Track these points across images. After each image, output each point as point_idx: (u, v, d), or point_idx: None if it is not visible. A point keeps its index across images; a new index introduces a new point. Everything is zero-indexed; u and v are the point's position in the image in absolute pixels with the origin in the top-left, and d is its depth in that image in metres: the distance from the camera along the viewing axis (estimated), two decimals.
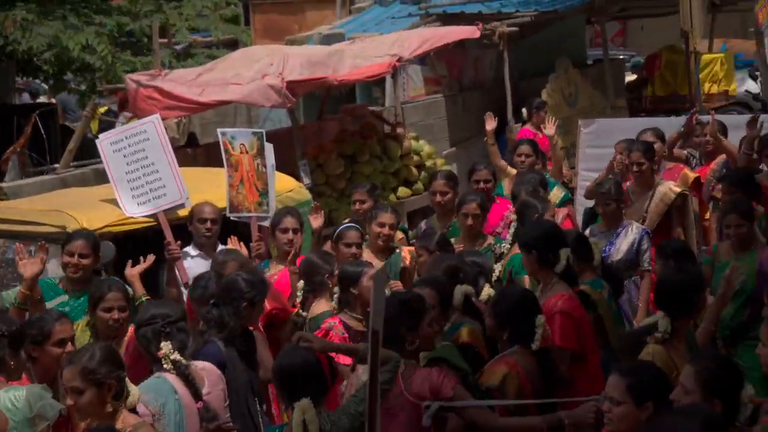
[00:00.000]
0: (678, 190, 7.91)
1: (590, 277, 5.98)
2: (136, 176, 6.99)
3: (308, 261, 6.27)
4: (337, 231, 6.79)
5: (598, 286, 5.96)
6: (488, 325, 5.01)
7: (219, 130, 7.50)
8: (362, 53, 10.36)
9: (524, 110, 11.64)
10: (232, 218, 7.16)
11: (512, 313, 4.81)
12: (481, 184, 7.96)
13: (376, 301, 2.75)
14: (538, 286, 5.62)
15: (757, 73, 17.48)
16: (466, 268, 5.65)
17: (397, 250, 6.94)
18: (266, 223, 7.20)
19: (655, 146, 8.38)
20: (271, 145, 7.35)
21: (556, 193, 8.05)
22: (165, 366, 4.71)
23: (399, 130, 10.64)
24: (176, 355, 4.71)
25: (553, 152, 9.17)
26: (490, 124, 9.32)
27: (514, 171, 8.59)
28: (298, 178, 8.61)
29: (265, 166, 7.23)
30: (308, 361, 4.24)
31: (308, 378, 4.18)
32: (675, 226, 7.84)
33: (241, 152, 7.24)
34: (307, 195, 8.15)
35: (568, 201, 8.19)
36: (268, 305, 5.82)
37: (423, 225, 7.75)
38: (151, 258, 6.11)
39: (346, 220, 7.88)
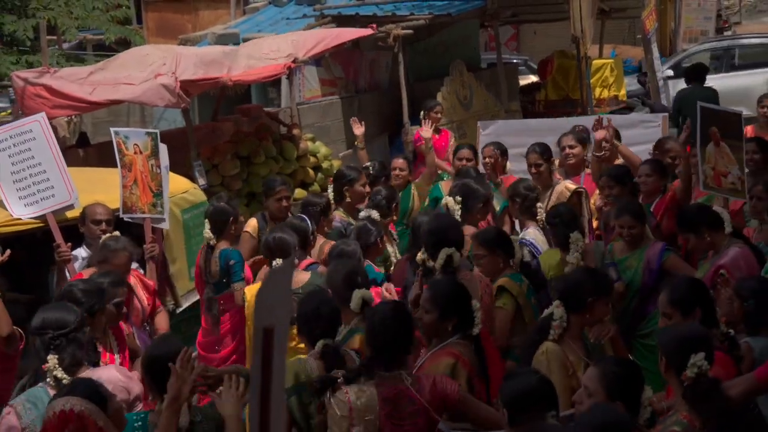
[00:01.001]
0: (573, 188, 8.03)
1: (509, 272, 6.10)
2: (23, 176, 6.78)
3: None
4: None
5: (516, 279, 6.08)
6: (426, 321, 4.96)
7: (112, 130, 7.32)
8: (257, 54, 10.25)
9: (422, 113, 11.67)
10: (125, 219, 7.00)
11: (456, 303, 4.91)
12: (397, 171, 8.56)
13: (273, 293, 2.59)
14: None
15: (645, 78, 17.92)
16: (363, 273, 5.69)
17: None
18: (161, 226, 7.07)
19: (575, 150, 8.53)
20: (165, 146, 7.20)
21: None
22: (48, 380, 4.57)
23: (295, 131, 10.56)
24: (59, 372, 4.57)
25: (425, 154, 9.28)
26: (358, 130, 9.40)
27: None
28: (192, 180, 8.47)
29: (159, 167, 7.08)
30: (177, 350, 4.17)
31: None
32: None
33: (135, 152, 7.08)
34: (201, 196, 8.03)
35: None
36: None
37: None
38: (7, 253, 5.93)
39: (259, 214, 7.86)
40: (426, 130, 9.59)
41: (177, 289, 7.51)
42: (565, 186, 8.07)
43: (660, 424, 4.00)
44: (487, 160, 8.75)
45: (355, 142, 9.39)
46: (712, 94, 13.51)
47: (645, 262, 6.42)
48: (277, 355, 2.51)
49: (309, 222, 6.83)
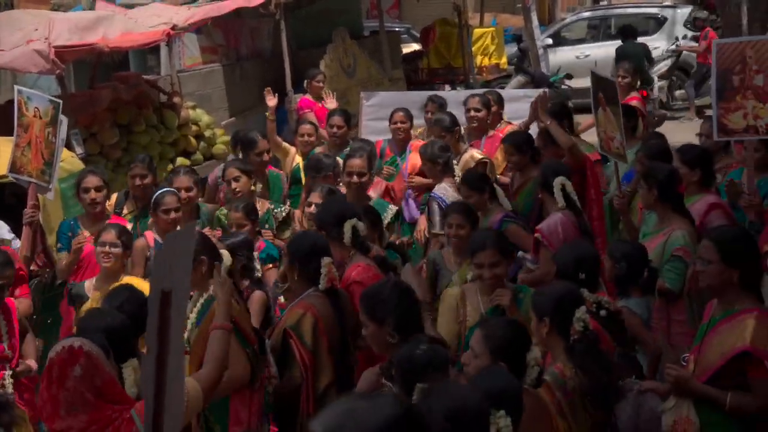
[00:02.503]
0: (478, 157, 8.07)
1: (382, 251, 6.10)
2: None
3: None
4: (155, 199, 6.53)
5: (392, 256, 6.17)
6: (285, 265, 5.34)
7: (16, 87, 7.07)
8: (134, 20, 10.02)
9: (305, 81, 11.62)
10: (10, 177, 6.79)
11: (303, 254, 5.08)
12: (264, 156, 7.98)
13: (174, 257, 2.53)
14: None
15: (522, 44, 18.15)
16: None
17: (203, 209, 7.11)
18: (47, 196, 6.88)
19: (480, 114, 8.62)
20: (66, 119, 6.98)
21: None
22: None
23: (176, 99, 10.37)
24: None
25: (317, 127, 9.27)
26: (272, 101, 9.24)
27: (291, 148, 8.62)
28: (70, 148, 8.23)
29: (56, 137, 6.87)
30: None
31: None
32: None
33: (35, 116, 6.85)
34: (79, 165, 7.83)
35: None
36: None
37: None
38: None
39: (122, 191, 7.63)
40: (330, 101, 9.56)
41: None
42: (471, 155, 8.10)
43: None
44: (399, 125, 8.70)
45: (267, 113, 9.13)
46: (643, 49, 15.99)
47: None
48: (175, 318, 2.52)
49: None
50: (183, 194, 6.81)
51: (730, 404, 4.27)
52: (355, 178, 6.96)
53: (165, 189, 6.61)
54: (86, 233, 6.51)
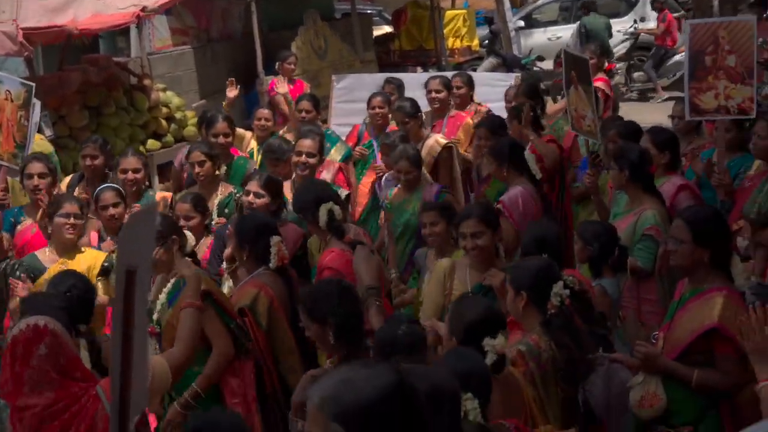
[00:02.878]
0: (443, 142, 8.07)
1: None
2: None
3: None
4: (96, 195, 6.37)
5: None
6: (232, 247, 5.40)
7: None
8: (104, 2, 9.91)
9: (277, 63, 11.56)
10: None
11: (251, 234, 5.17)
12: (221, 138, 7.65)
13: (137, 235, 2.54)
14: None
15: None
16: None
17: (150, 192, 6.96)
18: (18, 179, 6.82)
19: (441, 95, 8.68)
20: (39, 102, 6.90)
21: (339, 149, 8.11)
22: None
23: (146, 81, 10.28)
24: None
25: (289, 109, 9.18)
26: (232, 92, 9.07)
27: (247, 134, 8.51)
28: (39, 131, 8.13)
29: (28, 120, 6.78)
30: None
31: None
32: (441, 179, 7.92)
33: (6, 98, 6.76)
34: (49, 147, 7.78)
35: (348, 157, 8.16)
36: None
37: None
38: None
39: (76, 173, 7.52)
40: (281, 85, 9.47)
41: None
42: (435, 140, 8.08)
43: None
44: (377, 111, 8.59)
45: (224, 103, 8.99)
46: (605, 23, 16.70)
47: (421, 204, 6.50)
48: (140, 296, 2.51)
49: None
50: (130, 175, 6.74)
51: (696, 381, 4.32)
52: (303, 158, 6.89)
53: (105, 185, 6.45)
54: (29, 221, 6.42)
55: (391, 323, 4.17)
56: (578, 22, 17.45)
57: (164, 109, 10.30)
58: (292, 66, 11.15)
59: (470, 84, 9.34)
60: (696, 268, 4.43)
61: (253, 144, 8.49)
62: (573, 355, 4.18)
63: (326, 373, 2.37)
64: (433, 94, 8.74)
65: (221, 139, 7.49)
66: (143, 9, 9.88)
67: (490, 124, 7.75)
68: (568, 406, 4.24)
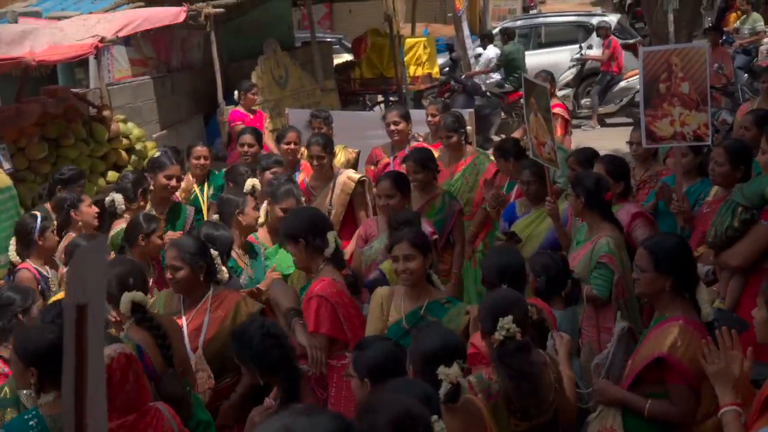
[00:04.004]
0: (356, 177, 7.99)
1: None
2: None
3: None
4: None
5: None
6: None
7: None
8: (61, 33, 9.85)
9: (236, 93, 11.56)
10: None
11: (199, 255, 5.34)
12: (201, 160, 8.26)
13: (88, 270, 2.50)
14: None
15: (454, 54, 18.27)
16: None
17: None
18: None
19: (400, 126, 8.69)
20: None
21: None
22: None
23: (105, 112, 10.22)
24: None
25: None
26: None
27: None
28: None
29: None
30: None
31: None
32: (358, 213, 7.94)
33: None
34: (7, 181, 7.69)
35: None
36: None
37: None
38: None
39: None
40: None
41: None
42: (347, 176, 7.97)
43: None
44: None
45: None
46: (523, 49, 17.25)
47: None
48: (92, 332, 2.47)
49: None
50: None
51: (649, 411, 4.36)
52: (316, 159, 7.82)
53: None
54: None
55: (379, 342, 4.16)
56: (497, 52, 17.68)
57: (124, 141, 10.24)
58: (256, 96, 11.22)
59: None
60: (659, 296, 4.48)
61: (195, 188, 8.41)
62: (522, 389, 4.18)
63: (267, 418, 2.33)
64: (392, 126, 8.72)
65: (173, 182, 7.58)
66: (101, 40, 9.83)
67: (419, 156, 7.40)
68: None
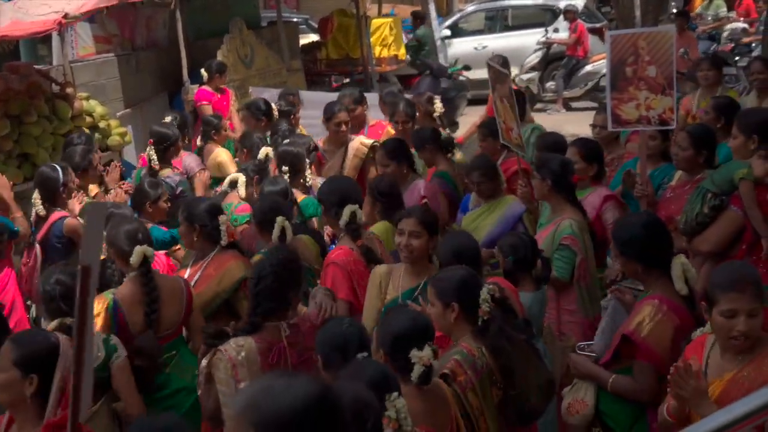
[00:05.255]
0: (368, 143, 8.19)
1: None
2: None
3: None
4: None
5: None
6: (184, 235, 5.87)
7: None
8: (24, 9, 9.72)
9: (203, 71, 11.47)
10: None
11: (201, 217, 5.71)
12: None
13: (90, 235, 2.70)
14: None
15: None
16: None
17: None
18: None
19: (357, 111, 8.82)
20: None
21: None
22: None
23: (69, 90, 10.11)
24: None
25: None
26: None
27: None
28: None
29: None
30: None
31: None
32: (369, 177, 8.02)
33: None
34: None
35: None
36: None
37: None
38: None
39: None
40: None
41: None
42: (360, 142, 8.23)
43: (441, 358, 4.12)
44: None
45: None
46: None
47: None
48: (91, 292, 2.71)
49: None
50: (343, 127, 8.31)
51: (611, 385, 4.44)
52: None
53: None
54: None
55: (335, 322, 4.16)
56: (411, 35, 17.76)
57: (88, 118, 10.13)
58: (222, 77, 11.24)
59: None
60: (637, 277, 4.61)
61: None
62: (511, 359, 4.23)
63: (255, 381, 2.39)
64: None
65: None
66: (65, 16, 9.71)
67: (390, 147, 7.33)
68: (501, 409, 4.30)
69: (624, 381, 4.41)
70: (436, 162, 7.70)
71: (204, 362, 4.38)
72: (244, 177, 7.24)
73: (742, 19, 19.16)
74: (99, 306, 5.00)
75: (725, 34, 18.10)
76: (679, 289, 4.43)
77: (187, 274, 5.72)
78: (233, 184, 7.22)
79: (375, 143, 8.17)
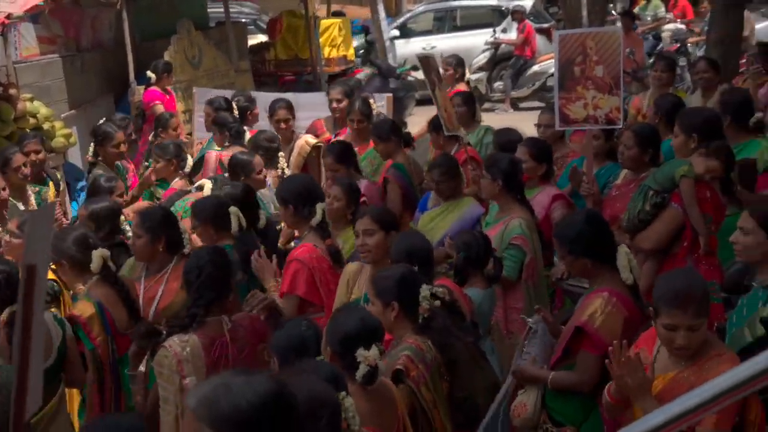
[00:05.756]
0: (313, 142, 8.25)
1: None
2: None
3: None
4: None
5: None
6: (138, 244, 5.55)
7: None
8: None
9: (150, 72, 11.35)
10: None
11: (162, 226, 5.44)
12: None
13: (35, 235, 2.66)
14: None
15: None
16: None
17: None
18: None
19: (341, 104, 8.84)
20: None
21: None
22: None
23: (12, 91, 9.94)
24: None
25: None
26: None
27: None
28: None
29: None
30: None
31: None
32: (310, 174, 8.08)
33: None
34: None
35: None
36: None
37: None
38: None
39: None
40: None
41: None
42: (305, 140, 8.34)
43: (386, 357, 4.10)
44: None
45: None
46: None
47: None
48: (38, 292, 2.67)
49: None
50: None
51: (551, 381, 4.46)
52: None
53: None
54: None
55: (293, 323, 4.15)
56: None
57: (31, 120, 9.98)
58: (172, 78, 11.16)
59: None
60: (585, 275, 4.64)
61: None
62: (457, 354, 4.26)
63: (211, 378, 2.39)
64: (334, 104, 8.88)
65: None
66: (8, 16, 9.58)
67: (337, 150, 7.37)
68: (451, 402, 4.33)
69: (563, 375, 4.45)
70: (393, 155, 7.67)
71: (142, 367, 4.37)
72: (211, 183, 7.15)
73: (679, 20, 19.48)
74: (88, 309, 5.00)
75: (665, 34, 18.30)
76: (625, 278, 4.47)
77: (142, 287, 5.41)
78: (200, 188, 7.16)
79: (319, 143, 8.20)
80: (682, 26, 18.87)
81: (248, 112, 9.50)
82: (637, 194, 5.84)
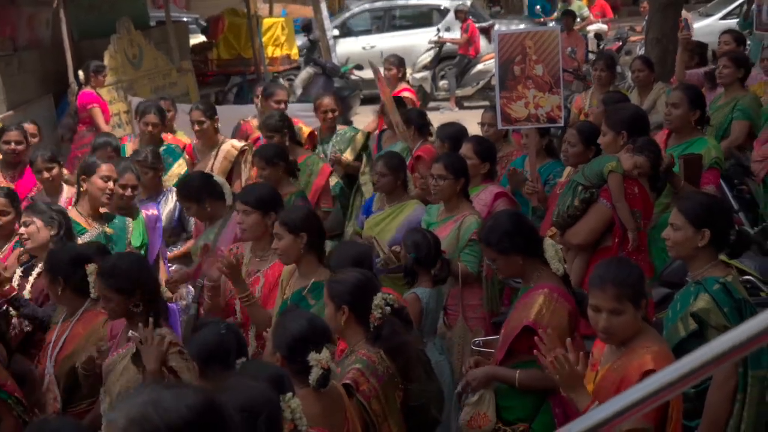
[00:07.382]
0: (239, 146, 8.14)
1: None
2: None
3: None
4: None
5: None
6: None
7: None
8: None
9: (80, 72, 11.22)
10: None
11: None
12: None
13: None
14: None
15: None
16: None
17: None
18: None
19: (326, 101, 8.66)
20: None
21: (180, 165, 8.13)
22: None
23: None
24: None
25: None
26: None
27: None
28: None
29: None
30: None
31: None
32: (235, 180, 7.96)
33: None
34: None
35: None
36: None
37: None
38: None
39: None
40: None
41: None
42: (231, 145, 8.18)
43: (339, 367, 4.08)
44: None
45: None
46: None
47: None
48: None
49: None
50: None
51: (519, 381, 4.44)
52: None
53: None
54: None
55: (212, 327, 4.10)
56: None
57: None
58: (102, 78, 11.03)
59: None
60: (518, 274, 4.63)
61: None
62: (409, 358, 4.25)
63: (134, 393, 2.32)
64: (329, 114, 8.62)
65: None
66: None
67: (265, 153, 7.03)
68: (404, 410, 4.32)
69: (531, 373, 4.40)
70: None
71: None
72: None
73: (600, 20, 19.78)
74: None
75: (590, 35, 18.49)
76: (555, 269, 4.50)
77: (55, 333, 5.01)
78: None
79: (245, 147, 8.13)
80: (604, 25, 19.22)
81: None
82: (567, 189, 5.89)
